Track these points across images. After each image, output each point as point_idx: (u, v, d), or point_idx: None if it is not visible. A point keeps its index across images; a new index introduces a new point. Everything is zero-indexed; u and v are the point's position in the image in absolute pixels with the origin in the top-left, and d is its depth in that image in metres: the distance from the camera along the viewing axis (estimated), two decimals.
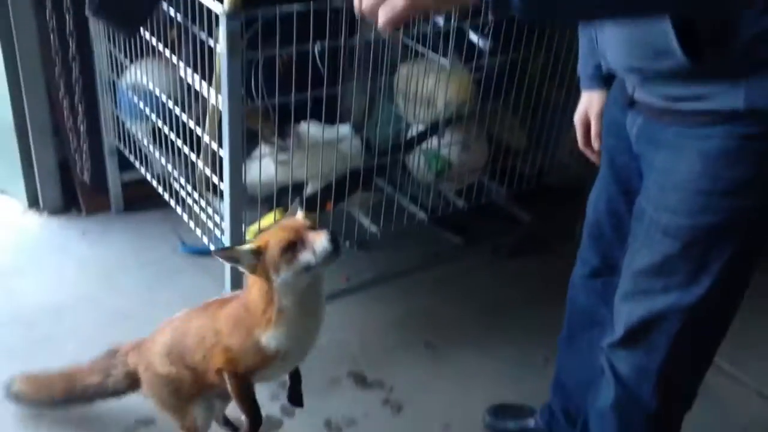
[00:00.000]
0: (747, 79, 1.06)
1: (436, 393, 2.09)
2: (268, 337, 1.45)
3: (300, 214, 1.45)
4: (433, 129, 2.16)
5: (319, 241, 1.34)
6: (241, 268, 1.42)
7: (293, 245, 1.35)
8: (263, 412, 1.83)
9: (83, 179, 2.61)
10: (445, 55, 2.09)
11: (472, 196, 2.34)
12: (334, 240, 1.34)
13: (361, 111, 2.39)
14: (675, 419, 1.43)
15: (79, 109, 2.45)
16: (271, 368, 1.54)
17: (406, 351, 2.23)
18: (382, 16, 0.93)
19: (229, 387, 1.56)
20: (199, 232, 2.16)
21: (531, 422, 1.89)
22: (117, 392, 1.74)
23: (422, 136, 2.16)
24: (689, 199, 1.15)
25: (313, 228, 1.39)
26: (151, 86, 2.13)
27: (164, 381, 1.61)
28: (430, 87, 2.14)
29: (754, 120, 1.07)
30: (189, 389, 1.61)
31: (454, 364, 2.20)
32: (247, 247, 1.39)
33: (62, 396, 1.79)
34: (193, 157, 1.99)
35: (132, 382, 1.70)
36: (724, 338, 1.35)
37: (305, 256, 1.35)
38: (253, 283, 1.45)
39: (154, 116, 2.15)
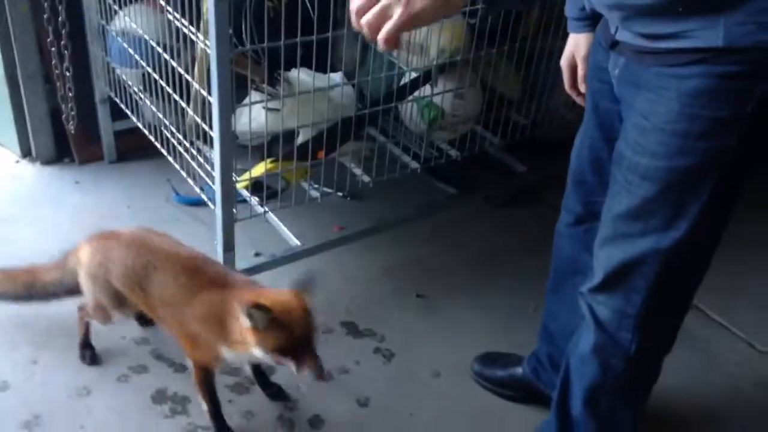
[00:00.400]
0: (726, 17, 1.04)
1: (427, 342, 2.11)
2: (227, 351, 1.57)
3: (308, 298, 1.51)
4: (426, 77, 2.13)
5: (306, 372, 1.44)
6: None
7: (285, 351, 1.44)
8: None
9: (68, 127, 2.58)
10: None
11: (466, 146, 2.32)
12: (319, 377, 1.44)
13: (354, 59, 2.36)
14: (654, 362, 1.44)
15: (66, 55, 2.41)
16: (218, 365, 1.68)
17: (398, 301, 2.24)
18: (381, 34, 1.02)
19: (193, 375, 1.69)
20: (191, 181, 2.15)
21: (519, 370, 1.91)
22: (73, 290, 1.82)
23: (414, 84, 2.14)
24: (667, 141, 1.15)
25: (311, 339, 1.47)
26: (140, 32, 2.10)
27: (110, 290, 1.70)
28: (423, 34, 2.10)
29: (732, 59, 1.06)
30: (126, 305, 1.73)
31: (445, 313, 2.22)
32: (265, 314, 1.41)
33: (24, 291, 1.89)
34: (183, 104, 1.97)
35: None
36: (701, 282, 1.36)
37: (289, 365, 1.46)
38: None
39: (144, 63, 2.12)
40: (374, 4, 1.03)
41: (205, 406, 1.72)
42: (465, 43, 2.16)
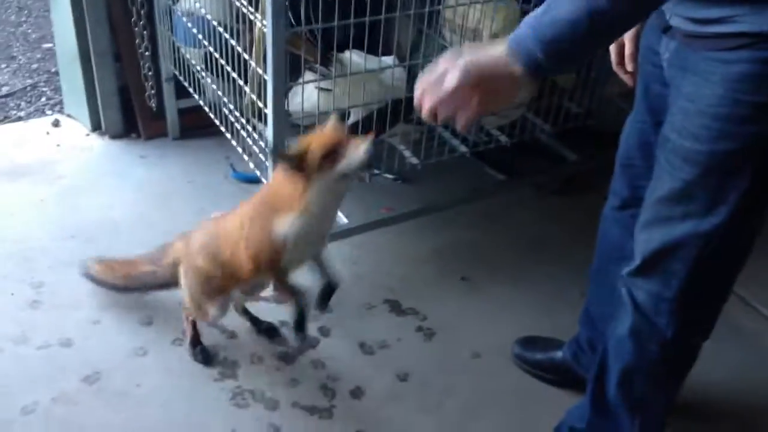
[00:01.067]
0: None
1: (468, 323, 2.15)
2: (283, 224, 1.57)
3: (337, 123, 1.54)
4: None
5: (357, 151, 1.47)
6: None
7: (333, 152, 1.47)
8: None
9: (150, 105, 2.72)
10: None
11: (516, 132, 2.33)
12: (369, 151, 1.46)
13: (407, 43, 2.39)
14: (691, 348, 1.44)
15: (145, 35, 2.53)
16: (283, 259, 1.65)
17: (442, 282, 2.28)
18: (460, 123, 1.15)
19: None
20: (247, 158, 2.24)
21: (559, 354, 1.93)
22: (168, 283, 1.90)
23: None
24: (710, 124, 1.16)
25: (354, 138, 1.50)
26: (203, 12, 2.18)
27: (197, 272, 1.76)
28: (476, 18, 2.12)
29: None
30: (215, 285, 1.75)
31: (488, 296, 2.25)
32: (292, 152, 1.51)
33: (122, 282, 2.00)
34: (240, 83, 2.05)
35: (175, 273, 1.85)
36: (742, 269, 1.35)
37: (342, 165, 1.48)
38: (283, 176, 1.56)
39: (206, 42, 2.21)
40: (441, 97, 1.14)
41: (293, 307, 1.72)
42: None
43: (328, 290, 1.76)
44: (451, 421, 1.85)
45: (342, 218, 2.27)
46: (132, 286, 2.01)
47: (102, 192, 2.56)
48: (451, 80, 1.12)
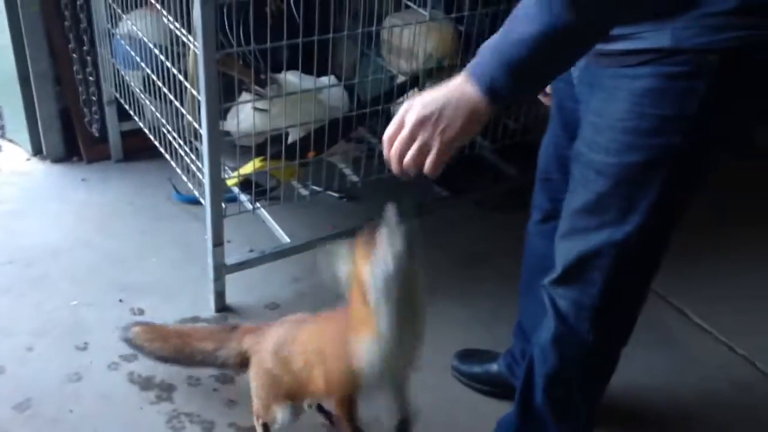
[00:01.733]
0: (673, 20, 1.10)
1: None
2: (360, 347, 1.41)
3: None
4: (414, 81, 2.20)
5: (386, 252, 1.34)
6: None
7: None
8: None
9: (91, 130, 2.70)
10: (424, 6, 2.11)
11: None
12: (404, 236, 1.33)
13: (353, 64, 2.43)
14: (611, 354, 1.48)
15: (88, 60, 2.52)
16: (367, 387, 1.53)
17: None
18: (427, 169, 1.11)
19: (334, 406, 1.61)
20: (185, 178, 2.24)
21: (494, 366, 1.96)
22: (225, 365, 1.78)
23: (402, 88, 2.20)
24: (618, 138, 1.20)
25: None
26: (141, 35, 2.19)
27: (266, 374, 1.64)
28: (411, 39, 2.17)
29: (678, 59, 1.11)
30: (284, 391, 1.63)
31: (429, 311, 2.24)
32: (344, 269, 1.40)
33: (172, 352, 1.82)
34: (177, 104, 2.06)
35: (241, 362, 1.73)
36: (656, 275, 1.40)
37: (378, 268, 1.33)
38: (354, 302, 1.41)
39: (144, 65, 2.22)
40: (404, 135, 1.09)
41: None
42: (452, 47, 2.22)
43: (402, 428, 1.62)
44: None
45: (284, 237, 2.28)
46: (182, 361, 1.83)
47: (41, 216, 2.52)
48: (410, 118, 1.09)
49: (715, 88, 1.12)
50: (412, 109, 1.09)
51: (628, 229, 1.27)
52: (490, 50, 1.06)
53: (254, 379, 1.68)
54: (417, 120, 1.08)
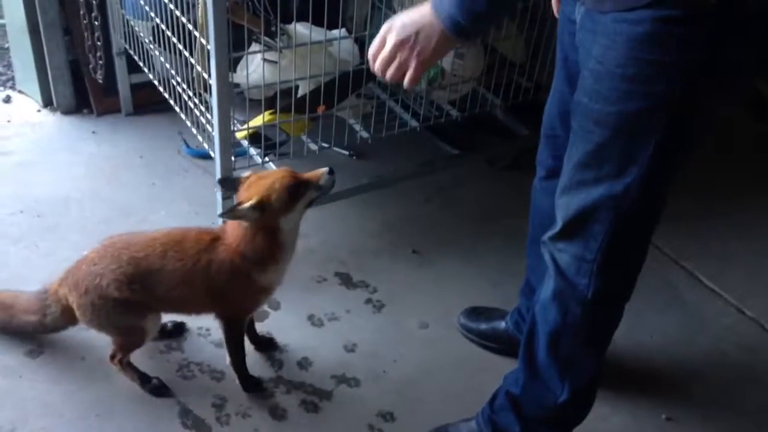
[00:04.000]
0: None
1: (417, 295, 2.17)
2: (267, 276, 1.61)
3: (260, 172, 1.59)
4: None
5: (322, 176, 1.57)
6: (244, 222, 1.54)
7: (298, 186, 1.53)
8: None
9: (96, 78, 2.68)
10: None
11: (467, 106, 2.34)
12: (330, 171, 1.57)
13: (364, 18, 2.39)
14: (612, 308, 1.48)
15: (93, 4, 2.49)
16: (261, 304, 1.75)
17: (393, 255, 2.30)
18: (406, 83, 1.25)
19: (223, 332, 1.73)
20: (195, 131, 2.23)
21: (502, 323, 1.96)
22: (57, 328, 1.80)
23: None
24: (618, 86, 1.18)
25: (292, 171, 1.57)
26: None
27: (115, 304, 1.62)
28: None
29: (679, 2, 1.09)
30: (145, 309, 1.67)
31: (438, 268, 2.27)
32: (247, 204, 1.50)
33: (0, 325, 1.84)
34: (186, 54, 2.03)
35: (70, 316, 1.72)
36: (655, 228, 1.39)
37: (311, 194, 1.57)
38: (243, 230, 1.56)
39: (153, 15, 2.19)
40: (385, 55, 1.24)
41: (229, 360, 1.78)
42: None
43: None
44: (395, 390, 1.87)
45: None
46: (14, 332, 1.84)
47: (52, 167, 2.53)
48: (390, 39, 1.22)
49: (712, 32, 1.10)
50: (392, 30, 1.23)
51: (627, 180, 1.25)
52: None
53: (99, 318, 1.66)
54: (397, 42, 1.22)
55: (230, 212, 1.52)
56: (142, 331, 1.69)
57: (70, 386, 1.79)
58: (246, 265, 1.59)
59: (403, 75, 1.24)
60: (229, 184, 1.63)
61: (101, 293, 1.62)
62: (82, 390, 1.79)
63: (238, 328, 1.75)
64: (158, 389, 1.78)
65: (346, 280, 2.19)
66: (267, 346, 1.93)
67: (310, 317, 2.06)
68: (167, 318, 1.86)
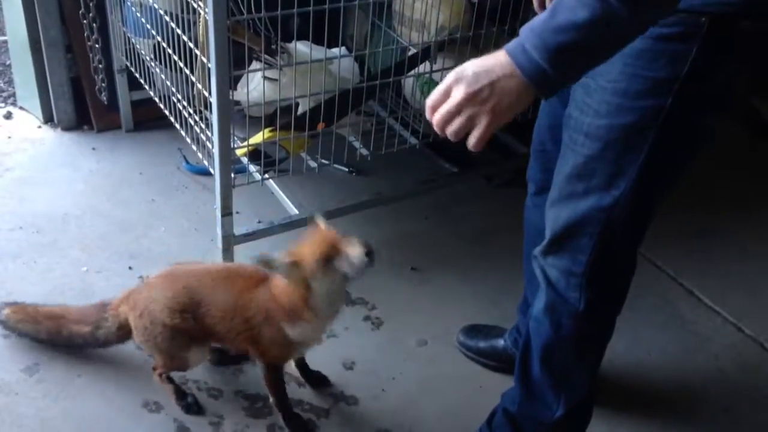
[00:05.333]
0: None
1: (416, 312, 2.17)
2: (295, 331, 1.59)
3: (324, 224, 1.54)
4: (425, 53, 2.17)
5: (356, 253, 1.46)
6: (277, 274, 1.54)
7: (330, 258, 1.48)
8: None
9: (101, 98, 2.70)
10: None
11: None
12: (369, 252, 1.46)
13: (364, 36, 2.41)
14: (604, 321, 1.48)
15: (95, 27, 2.51)
16: (294, 354, 1.75)
17: (392, 273, 2.30)
18: (472, 142, 1.06)
19: (260, 373, 1.72)
20: (195, 148, 2.23)
21: (500, 341, 1.96)
22: (107, 343, 1.81)
23: (413, 60, 2.18)
24: (609, 99, 1.20)
25: (343, 238, 1.51)
26: (152, 2, 2.18)
27: (164, 329, 1.66)
28: (423, 10, 2.14)
29: (673, 20, 1.10)
30: (192, 339, 1.68)
31: (437, 286, 2.27)
32: (285, 260, 1.50)
33: (46, 335, 1.85)
34: (187, 71, 2.04)
35: (124, 334, 1.76)
36: (642, 241, 1.39)
37: (342, 267, 1.48)
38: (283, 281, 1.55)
39: (154, 32, 2.21)
40: (450, 108, 1.04)
41: (272, 399, 1.76)
42: (465, 20, 2.19)
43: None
44: (394, 408, 1.86)
45: (293, 209, 2.28)
46: (61, 343, 1.86)
47: (51, 183, 2.53)
48: (459, 92, 1.02)
49: (704, 50, 1.12)
50: (461, 82, 1.03)
51: (616, 194, 1.26)
52: (532, 32, 1.00)
53: (150, 340, 1.69)
54: (466, 95, 1.02)
55: (261, 258, 1.50)
56: (186, 360, 1.72)
57: (67, 403, 1.78)
58: (278, 315, 1.59)
59: (467, 133, 1.06)
60: (265, 263, 1.56)
61: (154, 318, 1.66)
62: (79, 407, 1.78)
63: (275, 371, 1.73)
64: (190, 407, 1.79)
65: None
66: (318, 382, 1.90)
67: None
68: None
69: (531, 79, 0.99)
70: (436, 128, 1.08)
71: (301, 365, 1.88)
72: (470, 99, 1.02)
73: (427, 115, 1.09)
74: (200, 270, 1.71)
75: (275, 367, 1.73)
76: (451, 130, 1.06)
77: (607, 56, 1.06)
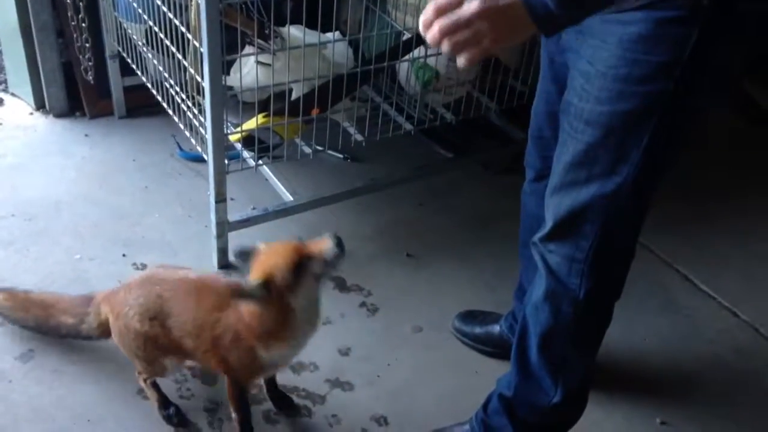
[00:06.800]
0: None
1: (412, 298, 2.16)
2: (270, 353, 1.52)
3: (267, 245, 1.47)
4: (419, 38, 2.15)
5: (325, 247, 1.42)
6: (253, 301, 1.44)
7: (300, 263, 1.41)
8: None
9: (87, 79, 2.66)
10: None
11: (461, 109, 2.34)
12: (338, 242, 1.42)
13: (358, 22, 2.39)
14: (603, 308, 1.48)
15: (81, 6, 2.48)
16: (264, 375, 1.68)
17: (388, 259, 2.29)
18: (468, 56, 1.01)
19: (227, 388, 1.65)
20: (188, 133, 2.22)
21: (496, 327, 1.96)
22: (89, 337, 1.78)
23: (407, 45, 2.16)
24: (609, 86, 1.18)
25: (300, 243, 1.45)
26: None
27: (137, 335, 1.61)
28: None
29: (671, 4, 1.09)
30: (163, 348, 1.62)
31: (432, 272, 2.26)
32: (254, 282, 1.40)
33: (34, 323, 1.84)
34: (179, 56, 2.02)
35: (104, 331, 1.72)
36: (642, 227, 1.39)
37: (317, 268, 1.42)
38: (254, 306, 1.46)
39: (146, 17, 2.18)
40: (462, 18, 0.99)
41: (234, 415, 1.68)
42: None
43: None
44: (389, 394, 1.86)
45: (287, 195, 2.27)
46: (47, 332, 1.84)
47: (44, 170, 2.51)
48: (471, 7, 0.99)
49: (705, 33, 1.11)
50: None
51: (618, 180, 1.25)
52: None
53: (125, 344, 1.65)
54: (482, 10, 0.99)
55: (239, 293, 1.42)
56: (161, 366, 1.66)
57: (61, 391, 1.78)
58: (250, 338, 1.51)
59: (466, 49, 1.01)
60: (245, 257, 1.47)
61: (127, 323, 1.61)
62: (73, 395, 1.77)
63: (240, 389, 1.66)
64: (171, 418, 1.73)
65: (340, 284, 2.18)
66: (284, 406, 1.80)
67: None
68: None
69: (535, 20, 1.00)
70: (433, 35, 1.02)
71: (271, 385, 1.79)
72: (484, 15, 0.99)
73: (425, 22, 1.03)
74: (175, 279, 1.62)
75: (242, 387, 1.65)
76: (453, 41, 1.01)
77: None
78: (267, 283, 1.40)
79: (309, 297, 1.47)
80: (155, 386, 1.74)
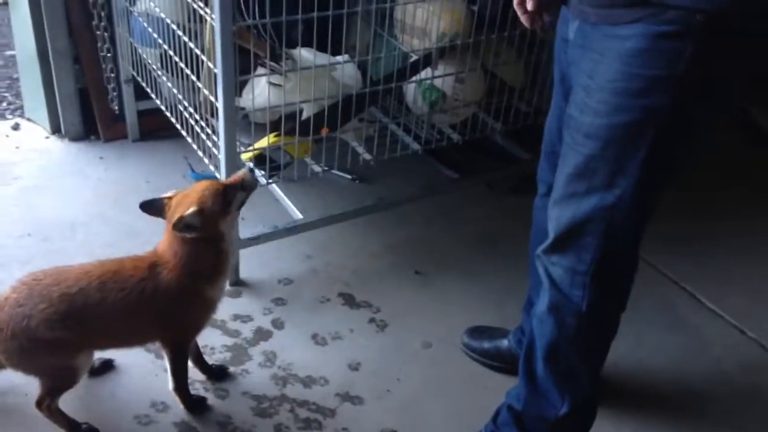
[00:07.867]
0: None
1: (420, 315, 2.18)
2: (216, 288, 1.62)
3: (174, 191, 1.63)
4: (426, 59, 2.21)
5: (243, 177, 1.60)
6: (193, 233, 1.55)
7: (227, 190, 1.56)
8: (254, 325, 2.00)
9: (112, 107, 2.74)
10: None
11: (467, 130, 2.39)
12: (252, 170, 1.58)
13: (366, 45, 2.45)
14: (607, 319, 1.49)
15: (106, 36, 2.56)
16: (209, 319, 1.73)
17: (396, 276, 2.32)
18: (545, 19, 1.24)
19: (169, 360, 1.69)
20: (201, 154, 2.26)
21: (504, 342, 1.97)
22: None
23: (415, 67, 2.21)
24: (608, 99, 1.22)
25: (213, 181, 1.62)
26: (158, 11, 2.22)
27: (46, 345, 1.54)
28: (424, 18, 2.18)
29: (668, 17, 1.13)
30: (78, 348, 1.59)
31: (440, 289, 2.29)
32: (190, 211, 1.53)
33: None
34: (193, 78, 2.08)
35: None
36: (642, 238, 1.41)
37: (240, 195, 1.60)
38: (185, 247, 1.57)
39: (161, 42, 2.25)
40: None
41: (172, 385, 1.72)
42: (465, 27, 2.23)
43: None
44: (399, 408, 1.88)
45: (297, 213, 2.31)
46: None
47: (59, 192, 2.56)
48: None
49: (699, 48, 1.14)
50: None
51: (617, 192, 1.29)
52: None
53: (29, 361, 1.57)
54: None
55: (178, 223, 1.51)
56: (74, 371, 1.61)
57: (75, 404, 1.78)
58: (195, 282, 1.58)
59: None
60: (154, 207, 1.61)
61: (30, 336, 1.51)
62: (88, 408, 1.78)
63: (185, 352, 1.71)
64: None
65: (349, 300, 2.21)
66: (219, 374, 1.88)
67: (314, 336, 2.07)
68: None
69: None
70: None
71: (198, 357, 1.84)
72: None
73: None
74: (74, 273, 1.58)
75: (185, 348, 1.72)
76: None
77: None
78: (202, 211, 1.52)
79: (233, 225, 1.62)
80: (59, 411, 1.67)
